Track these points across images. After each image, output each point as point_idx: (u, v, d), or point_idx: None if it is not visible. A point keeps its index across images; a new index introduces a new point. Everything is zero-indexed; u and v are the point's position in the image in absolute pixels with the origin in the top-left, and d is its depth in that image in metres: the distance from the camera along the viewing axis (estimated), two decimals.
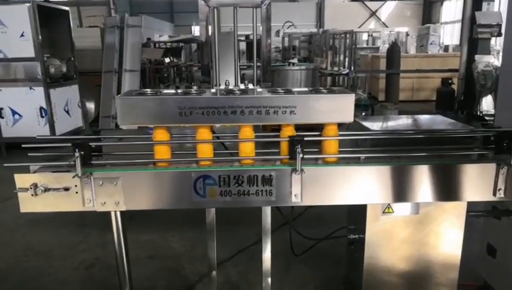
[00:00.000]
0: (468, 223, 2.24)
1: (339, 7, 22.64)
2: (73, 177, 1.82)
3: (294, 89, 2.01)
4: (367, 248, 2.29)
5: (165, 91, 1.96)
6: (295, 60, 11.02)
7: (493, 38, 8.47)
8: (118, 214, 2.02)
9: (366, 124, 2.27)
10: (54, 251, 3.73)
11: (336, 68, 10.98)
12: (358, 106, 7.97)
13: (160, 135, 1.91)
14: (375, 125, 2.30)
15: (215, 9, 2.10)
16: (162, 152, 1.93)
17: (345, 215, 2.70)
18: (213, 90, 2.06)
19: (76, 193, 1.88)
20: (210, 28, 2.14)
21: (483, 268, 2.84)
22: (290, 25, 16.99)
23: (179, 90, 1.95)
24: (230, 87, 2.08)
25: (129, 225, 4.02)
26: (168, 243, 3.83)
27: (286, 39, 15.06)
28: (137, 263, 3.42)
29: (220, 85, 2.10)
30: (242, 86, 2.09)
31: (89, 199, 1.89)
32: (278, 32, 16.65)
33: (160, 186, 1.91)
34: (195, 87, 2.18)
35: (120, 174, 1.89)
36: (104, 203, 1.91)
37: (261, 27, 2.14)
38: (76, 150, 1.78)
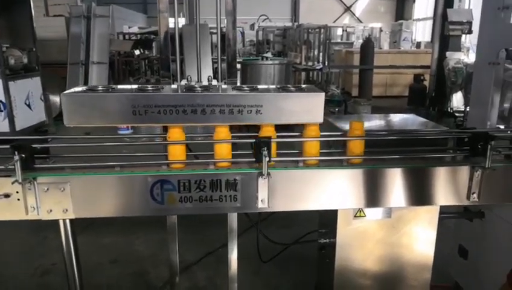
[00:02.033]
0: (440, 223, 2.18)
1: (314, 1, 22.63)
2: (13, 183, 1.62)
3: (261, 87, 1.87)
4: (338, 253, 2.20)
5: (119, 87, 1.78)
6: (269, 54, 10.90)
7: (463, 36, 8.58)
8: (68, 221, 1.84)
9: (337, 124, 2.16)
10: (8, 256, 3.49)
11: (310, 63, 10.90)
12: (332, 102, 7.91)
13: (176, 134, 1.76)
14: (347, 125, 2.19)
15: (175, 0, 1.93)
16: (177, 154, 1.77)
17: (317, 214, 2.60)
18: (173, 87, 1.89)
19: (18, 200, 1.68)
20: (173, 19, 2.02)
21: (455, 269, 2.81)
22: (265, 19, 16.84)
23: (133, 86, 1.77)
24: (192, 83, 1.91)
25: (90, 227, 3.84)
26: (132, 245, 3.65)
27: (260, 33, 14.88)
28: (98, 268, 3.24)
29: (180, 81, 1.94)
30: (205, 83, 1.93)
31: (32, 206, 1.70)
32: (252, 25, 16.48)
33: (113, 192, 1.74)
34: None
35: (68, 178, 1.71)
36: (51, 211, 1.72)
37: (225, 20, 2.02)
38: (16, 152, 1.58)
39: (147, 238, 3.76)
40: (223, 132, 1.78)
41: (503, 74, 3.52)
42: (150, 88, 1.73)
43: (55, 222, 1.89)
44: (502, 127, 2.68)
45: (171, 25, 2.14)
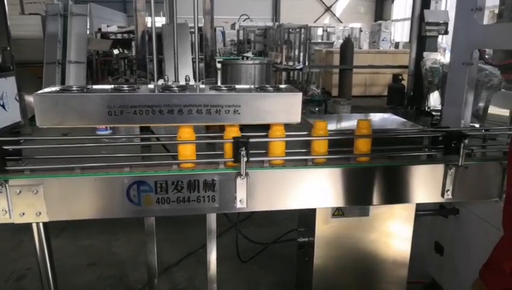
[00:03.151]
0: (416, 220, 2.23)
1: (294, 1, 22.73)
2: None
3: (239, 87, 1.87)
4: (317, 251, 2.22)
5: (94, 87, 1.75)
6: (250, 54, 10.90)
7: (440, 36, 8.75)
8: (41, 225, 1.79)
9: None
10: None
11: (290, 63, 10.95)
12: (312, 102, 7.97)
13: (186, 134, 1.75)
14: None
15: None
16: (188, 154, 1.76)
17: (297, 213, 2.61)
18: (150, 87, 1.87)
19: None
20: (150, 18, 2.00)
21: (431, 266, 2.86)
22: (246, 18, 16.83)
23: (109, 86, 1.74)
24: (169, 83, 1.89)
25: (68, 228, 3.76)
26: (110, 247, 3.59)
27: (241, 32, 14.86)
28: (75, 271, 3.18)
29: (157, 81, 1.92)
30: (182, 82, 1.91)
31: (4, 209, 1.66)
32: (233, 25, 16.45)
33: (88, 194, 1.71)
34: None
35: (41, 180, 1.67)
36: (23, 214, 1.68)
37: (203, 19, 2.02)
38: None
39: (127, 240, 3.70)
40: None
41: (478, 74, 3.60)
42: (125, 88, 1.70)
43: (31, 225, 1.84)
44: (476, 125, 2.74)
45: (150, 24, 2.11)
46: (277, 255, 3.31)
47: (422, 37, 8.49)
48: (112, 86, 1.75)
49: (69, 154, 1.80)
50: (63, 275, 3.02)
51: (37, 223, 1.78)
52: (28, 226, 1.81)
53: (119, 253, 3.52)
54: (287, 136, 1.88)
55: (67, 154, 1.80)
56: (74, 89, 1.69)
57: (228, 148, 1.80)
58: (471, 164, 1.96)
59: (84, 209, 1.74)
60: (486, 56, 3.65)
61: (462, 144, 1.86)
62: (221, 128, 2.02)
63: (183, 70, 2.33)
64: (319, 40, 15.59)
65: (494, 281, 1.28)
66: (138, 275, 3.15)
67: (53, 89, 1.72)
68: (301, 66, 10.06)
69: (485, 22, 2.59)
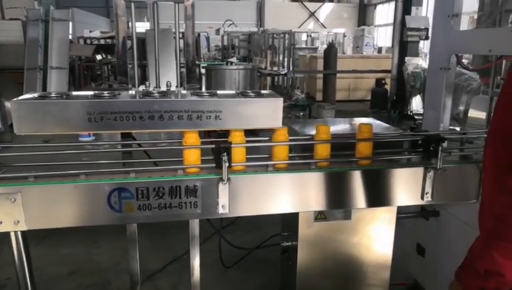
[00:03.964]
0: (399, 222, 2.25)
1: (278, 7, 22.87)
2: None
3: (220, 92, 1.87)
4: (300, 255, 2.22)
5: (74, 94, 1.74)
6: (234, 59, 10.92)
7: (421, 42, 8.93)
8: (19, 234, 1.76)
9: (297, 128, 2.19)
10: None
11: (275, 68, 11.00)
12: (296, 106, 8.03)
13: (191, 139, 1.75)
14: (306, 129, 2.23)
15: (132, 4, 1.90)
16: (193, 159, 1.77)
17: (281, 218, 2.62)
18: (131, 93, 1.86)
19: None
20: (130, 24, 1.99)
21: (414, 267, 2.90)
22: (231, 24, 16.85)
23: (90, 93, 1.72)
24: (150, 89, 1.89)
25: (48, 237, 3.69)
26: (92, 255, 3.54)
27: (226, 38, 14.88)
28: (56, 281, 3.12)
29: (138, 86, 1.91)
30: (163, 88, 1.91)
31: None
32: (218, 30, 16.46)
33: (68, 201, 1.69)
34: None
35: (19, 188, 1.64)
36: (1, 223, 1.65)
37: (184, 24, 2.01)
38: None
39: (109, 247, 3.65)
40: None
41: (457, 79, 3.67)
42: (106, 94, 1.69)
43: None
44: (457, 129, 2.80)
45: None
46: (261, 260, 3.31)
47: (404, 42, 8.64)
48: (92, 92, 1.73)
49: (50, 161, 1.77)
50: (43, 285, 2.98)
51: (15, 232, 1.74)
52: (8, 234, 1.77)
53: (100, 261, 3.47)
54: (266, 141, 1.89)
55: (47, 161, 1.77)
56: (53, 95, 1.67)
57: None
58: (449, 166, 2.00)
59: (64, 217, 1.71)
60: (465, 61, 3.74)
61: (440, 148, 1.90)
62: (205, 134, 2.02)
63: (167, 76, 2.32)
64: (303, 46, 15.71)
65: (469, 282, 1.30)
66: (121, 282, 3.11)
67: (31, 96, 1.70)
68: (285, 71, 10.13)
69: (466, 27, 2.65)
